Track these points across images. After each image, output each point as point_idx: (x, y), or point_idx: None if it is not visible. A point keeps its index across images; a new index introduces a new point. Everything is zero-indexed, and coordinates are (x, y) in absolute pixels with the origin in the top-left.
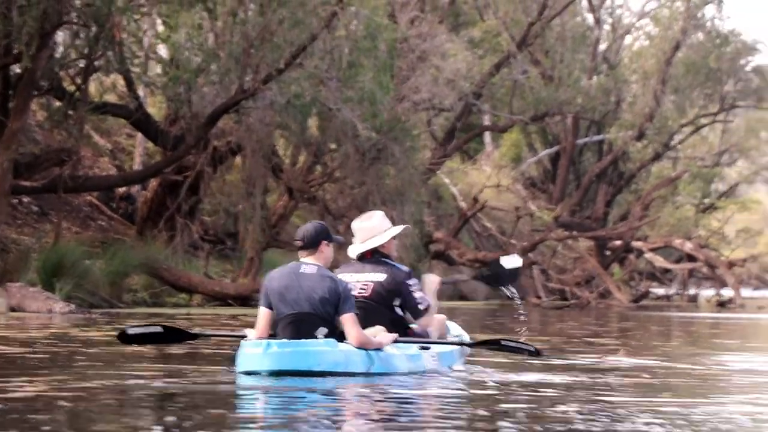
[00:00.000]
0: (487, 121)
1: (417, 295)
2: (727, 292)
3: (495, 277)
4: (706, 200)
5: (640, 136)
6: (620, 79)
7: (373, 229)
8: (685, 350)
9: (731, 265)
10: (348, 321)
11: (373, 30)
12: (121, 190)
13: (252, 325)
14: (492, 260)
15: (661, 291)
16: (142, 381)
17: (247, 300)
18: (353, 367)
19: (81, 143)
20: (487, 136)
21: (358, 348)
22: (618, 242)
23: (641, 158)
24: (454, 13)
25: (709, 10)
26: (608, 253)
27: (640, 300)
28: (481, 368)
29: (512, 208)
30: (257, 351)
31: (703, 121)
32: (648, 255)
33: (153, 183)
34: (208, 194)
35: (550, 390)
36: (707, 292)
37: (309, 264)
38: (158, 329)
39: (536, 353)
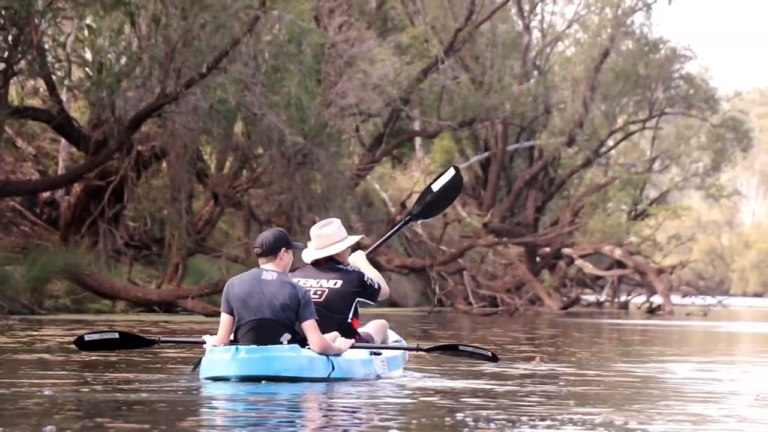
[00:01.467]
0: (416, 126)
1: (369, 282)
2: (658, 299)
3: (432, 204)
4: (638, 207)
5: (571, 143)
6: (550, 86)
7: (331, 236)
8: (601, 357)
9: (660, 272)
10: (309, 327)
11: (298, 35)
12: (45, 195)
13: (172, 331)
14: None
15: (592, 298)
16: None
17: (172, 306)
18: (316, 372)
19: (1, 148)
20: (418, 142)
21: (320, 354)
22: (548, 249)
23: (572, 165)
24: (382, 18)
25: (638, 18)
26: (539, 259)
27: (570, 307)
28: (422, 374)
29: (441, 214)
30: (225, 357)
31: (633, 127)
32: (578, 262)
33: (76, 188)
34: (132, 199)
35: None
36: (638, 299)
37: (269, 271)
38: (115, 335)
39: (493, 358)
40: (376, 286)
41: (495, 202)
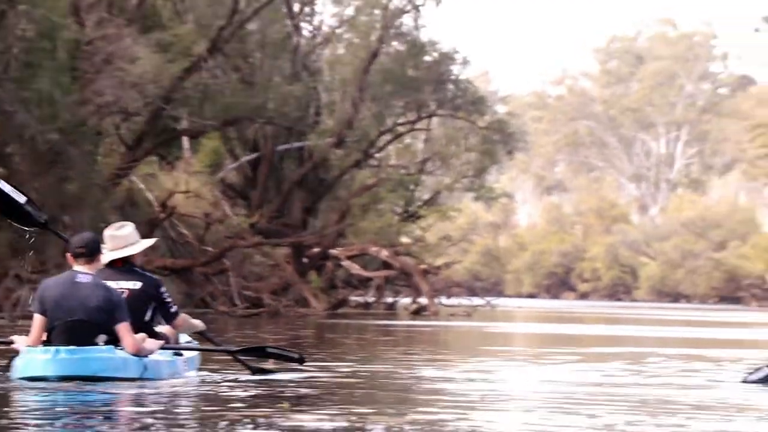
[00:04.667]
0: (184, 125)
1: (169, 300)
2: (424, 300)
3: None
4: (410, 208)
5: (340, 144)
6: (319, 86)
7: (126, 238)
8: (344, 358)
9: (426, 272)
10: (123, 329)
11: (50, 30)
12: None
13: None
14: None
15: (360, 299)
16: None
17: None
18: (130, 373)
19: None
20: (186, 142)
21: (134, 355)
22: (316, 250)
23: (342, 166)
24: (143, 15)
25: (407, 20)
26: (306, 260)
27: (337, 308)
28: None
29: (208, 214)
30: (44, 357)
31: (402, 129)
32: (345, 263)
33: None
34: None
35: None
36: (406, 300)
37: (84, 273)
38: None
39: (300, 360)
40: (173, 309)
41: (264, 203)
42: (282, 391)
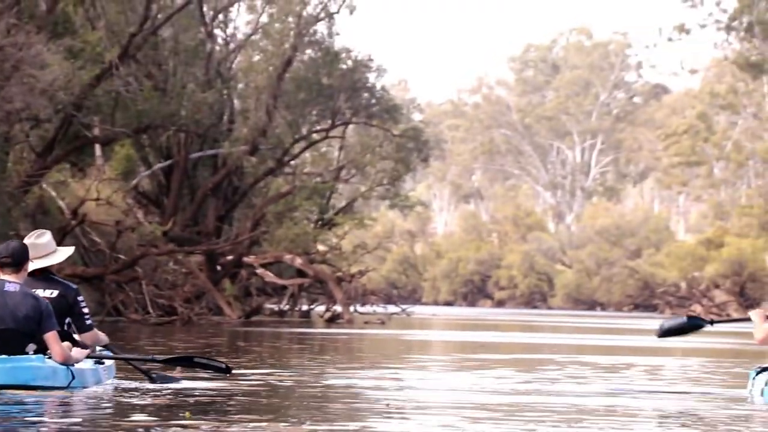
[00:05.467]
0: (96, 133)
1: (85, 311)
2: (339, 308)
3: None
4: (325, 216)
5: (254, 151)
6: (233, 93)
7: (45, 246)
8: (255, 366)
9: (341, 280)
10: (51, 338)
11: None
12: None
13: None
14: None
15: (275, 307)
16: None
17: None
18: (58, 381)
19: None
20: (98, 149)
21: (62, 364)
22: (230, 258)
23: (256, 173)
24: (54, 21)
25: (322, 27)
26: (220, 268)
27: (251, 316)
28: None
29: (119, 222)
30: None
31: (316, 137)
32: (259, 271)
33: None
34: None
35: None
36: (321, 308)
37: (12, 282)
38: None
39: (226, 370)
40: (88, 322)
41: (177, 211)
42: (187, 401)
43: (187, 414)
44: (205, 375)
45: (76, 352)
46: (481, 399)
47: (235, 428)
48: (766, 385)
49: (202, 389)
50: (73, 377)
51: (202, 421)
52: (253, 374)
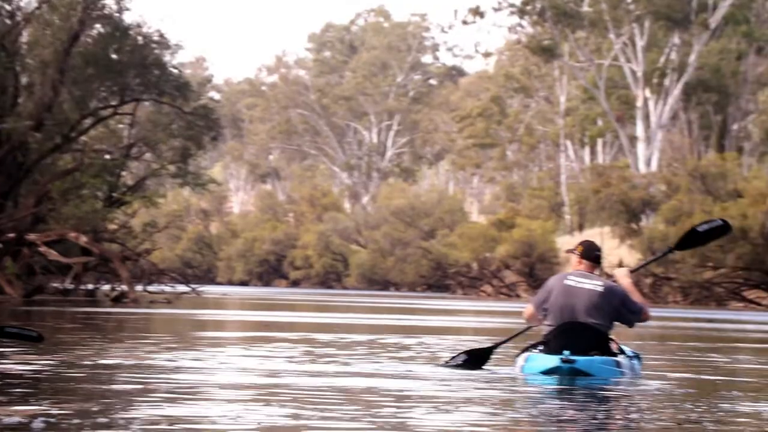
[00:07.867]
0: None
1: None
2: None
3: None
4: (114, 194)
5: (39, 127)
6: (18, 67)
7: None
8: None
9: (126, 259)
10: None
11: None
12: None
13: None
14: None
15: (59, 285)
16: None
17: None
18: None
19: None
20: None
21: None
22: (11, 235)
23: (41, 149)
24: None
25: (111, 2)
26: (0, 246)
27: (33, 295)
28: None
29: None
30: None
31: (104, 113)
32: (42, 249)
33: None
34: None
35: None
36: (107, 287)
37: None
38: None
39: (38, 339)
40: None
41: None
42: None
43: None
44: None
45: None
46: (257, 381)
47: None
48: (525, 361)
49: None
50: None
51: None
52: (28, 355)
